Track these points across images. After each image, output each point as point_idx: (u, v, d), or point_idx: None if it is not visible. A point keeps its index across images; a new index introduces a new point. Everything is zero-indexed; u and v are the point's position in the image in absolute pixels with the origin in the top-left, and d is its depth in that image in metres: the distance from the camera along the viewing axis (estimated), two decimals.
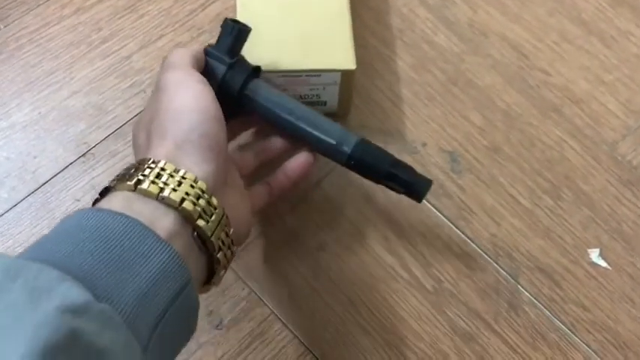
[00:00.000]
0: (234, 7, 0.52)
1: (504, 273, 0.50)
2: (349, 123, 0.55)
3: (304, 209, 0.52)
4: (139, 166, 0.36)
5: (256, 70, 0.46)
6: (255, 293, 0.48)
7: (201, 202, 0.35)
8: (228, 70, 0.44)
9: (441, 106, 0.56)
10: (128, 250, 0.31)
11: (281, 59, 0.49)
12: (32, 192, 0.52)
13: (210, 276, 0.38)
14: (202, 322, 0.47)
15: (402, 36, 0.59)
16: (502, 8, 0.61)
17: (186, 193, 0.35)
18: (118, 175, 0.36)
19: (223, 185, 0.39)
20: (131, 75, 0.57)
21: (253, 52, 0.47)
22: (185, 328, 0.35)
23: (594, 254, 0.50)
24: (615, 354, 0.47)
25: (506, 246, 0.51)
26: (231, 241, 0.38)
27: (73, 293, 0.27)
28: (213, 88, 0.40)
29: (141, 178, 0.35)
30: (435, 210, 0.52)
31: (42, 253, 0.31)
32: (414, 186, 0.44)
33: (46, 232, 0.51)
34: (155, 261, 0.32)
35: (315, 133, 0.45)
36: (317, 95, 0.51)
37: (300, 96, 0.51)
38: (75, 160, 0.53)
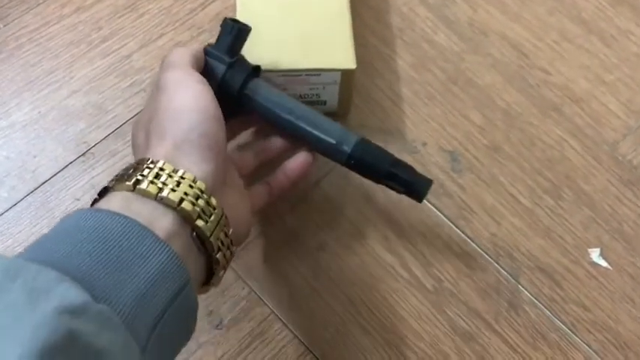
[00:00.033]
0: (234, 7, 0.52)
1: (505, 273, 0.50)
2: (349, 122, 0.55)
3: (304, 209, 0.52)
4: (138, 166, 0.36)
5: (256, 70, 0.46)
6: (255, 293, 0.48)
7: (200, 202, 0.35)
8: (228, 69, 0.44)
9: (441, 105, 0.56)
10: (126, 250, 0.31)
11: (281, 58, 0.49)
12: (32, 191, 0.52)
13: (210, 276, 0.37)
14: (202, 322, 0.47)
15: (402, 35, 0.59)
16: (502, 7, 0.61)
17: (185, 193, 0.35)
18: (116, 176, 0.36)
19: (222, 185, 0.39)
20: (131, 74, 0.57)
21: (253, 51, 0.47)
22: (184, 329, 0.35)
23: (595, 254, 0.50)
24: (616, 354, 0.47)
25: (507, 245, 0.50)
26: (231, 241, 0.38)
27: (72, 294, 0.27)
28: (212, 88, 0.40)
29: (139, 178, 0.35)
30: (435, 209, 0.52)
31: (41, 253, 0.31)
32: (415, 185, 0.44)
33: (45, 231, 0.51)
34: (154, 261, 0.31)
35: (315, 132, 0.45)
36: (317, 95, 0.51)
37: (300, 95, 0.51)
38: (75, 160, 0.53)
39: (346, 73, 0.49)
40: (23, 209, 0.51)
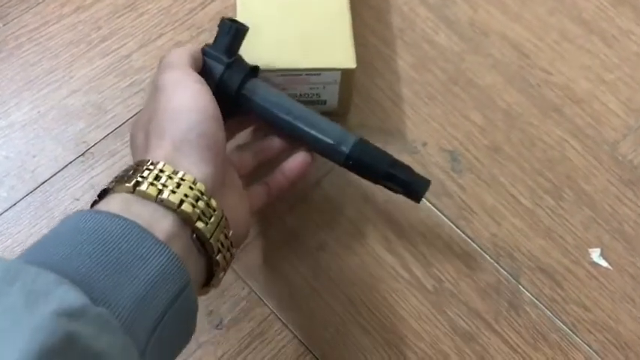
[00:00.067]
0: (233, 6, 0.52)
1: (505, 273, 0.50)
2: (349, 122, 0.54)
3: (304, 209, 0.51)
4: (138, 167, 0.36)
5: (254, 70, 0.46)
6: (255, 293, 0.48)
7: (200, 203, 0.35)
8: (226, 69, 0.44)
9: (441, 106, 0.56)
10: (126, 252, 0.31)
11: (281, 58, 0.49)
12: (31, 191, 0.51)
13: (210, 278, 0.37)
14: (202, 322, 0.47)
15: (403, 35, 0.59)
16: (502, 7, 0.60)
17: (185, 195, 0.34)
18: (116, 177, 0.36)
19: (222, 186, 0.38)
20: (131, 74, 0.56)
21: (253, 51, 0.47)
22: (184, 331, 0.35)
23: (595, 254, 0.50)
24: (616, 354, 0.47)
25: (507, 246, 0.50)
26: (230, 243, 0.38)
27: (70, 297, 0.27)
28: (211, 88, 0.40)
29: (139, 179, 0.34)
30: (435, 210, 0.52)
31: (40, 255, 0.31)
32: (412, 186, 0.44)
33: (45, 231, 0.50)
34: (153, 263, 0.31)
35: (313, 132, 0.45)
36: (317, 94, 0.51)
37: (301, 95, 0.51)
38: (74, 160, 0.53)
39: (346, 73, 0.49)
40: (22, 209, 0.51)
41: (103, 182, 0.51)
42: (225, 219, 0.37)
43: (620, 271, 0.50)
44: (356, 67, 0.49)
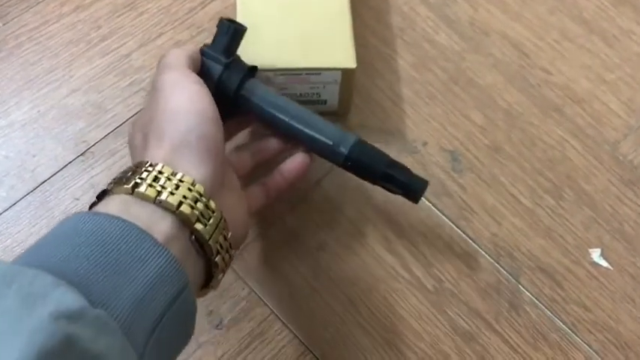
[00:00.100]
0: (233, 6, 0.52)
1: (505, 273, 0.50)
2: (349, 122, 0.54)
3: (304, 209, 0.51)
4: (136, 169, 0.36)
5: (252, 70, 0.46)
6: (255, 293, 0.48)
7: (199, 205, 0.35)
8: (225, 70, 0.44)
9: (442, 105, 0.56)
10: (125, 254, 0.31)
11: (281, 57, 0.49)
12: (31, 191, 0.51)
13: (209, 280, 0.37)
14: (202, 322, 0.47)
15: (403, 35, 0.59)
16: (503, 7, 0.60)
17: (184, 197, 0.34)
18: (115, 179, 0.36)
19: (221, 187, 0.38)
20: (130, 73, 0.56)
21: (254, 50, 0.47)
22: (182, 333, 0.35)
23: (596, 254, 0.50)
24: (616, 354, 0.47)
25: (508, 246, 0.50)
26: (229, 244, 0.38)
27: (68, 299, 0.27)
28: (209, 89, 0.40)
29: (138, 181, 0.34)
30: (435, 209, 0.52)
31: (38, 257, 0.31)
32: (411, 187, 0.44)
33: (45, 231, 0.50)
34: (152, 265, 0.31)
35: (312, 133, 0.44)
36: (317, 94, 0.51)
37: (301, 94, 0.51)
38: (74, 159, 0.53)
39: (346, 73, 0.49)
40: (22, 209, 0.51)
41: (103, 182, 0.51)
42: (224, 220, 0.37)
43: (621, 271, 0.50)
44: (356, 67, 0.49)
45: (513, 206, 0.52)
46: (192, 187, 0.35)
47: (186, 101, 0.38)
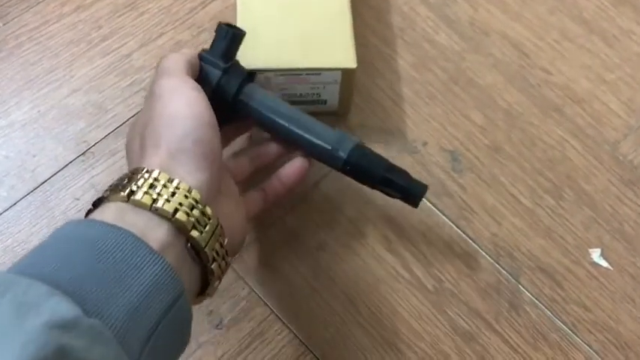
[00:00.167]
0: (234, 6, 0.52)
1: (505, 273, 0.50)
2: (350, 122, 0.54)
3: (304, 209, 0.51)
4: (133, 175, 0.35)
5: (251, 75, 0.46)
6: (255, 293, 0.48)
7: (195, 212, 0.35)
8: (223, 74, 0.43)
9: (442, 105, 0.56)
10: (120, 262, 0.31)
11: (281, 58, 0.49)
12: (31, 191, 0.51)
13: (204, 287, 0.37)
14: (202, 322, 0.47)
15: (403, 35, 0.59)
16: (503, 7, 0.60)
17: (180, 204, 0.34)
18: (110, 186, 0.36)
19: (218, 194, 0.38)
20: (131, 73, 0.56)
21: (254, 50, 0.47)
22: (178, 340, 0.35)
23: (596, 254, 0.50)
24: (616, 354, 0.47)
25: (508, 246, 0.50)
26: (226, 251, 0.37)
27: (62, 308, 0.27)
28: (207, 93, 0.40)
29: (134, 188, 0.34)
30: (435, 209, 0.52)
31: (32, 266, 0.31)
32: (410, 191, 0.44)
33: (45, 230, 0.50)
34: (147, 273, 0.31)
35: (311, 138, 0.44)
36: (317, 94, 0.51)
37: (301, 95, 0.51)
38: (74, 159, 0.53)
39: (347, 73, 0.49)
40: (23, 209, 0.51)
41: (104, 182, 0.51)
42: (221, 227, 0.37)
43: (621, 271, 0.50)
44: (356, 67, 0.49)
45: (513, 206, 0.52)
46: (188, 194, 0.35)
47: (184, 107, 0.38)
